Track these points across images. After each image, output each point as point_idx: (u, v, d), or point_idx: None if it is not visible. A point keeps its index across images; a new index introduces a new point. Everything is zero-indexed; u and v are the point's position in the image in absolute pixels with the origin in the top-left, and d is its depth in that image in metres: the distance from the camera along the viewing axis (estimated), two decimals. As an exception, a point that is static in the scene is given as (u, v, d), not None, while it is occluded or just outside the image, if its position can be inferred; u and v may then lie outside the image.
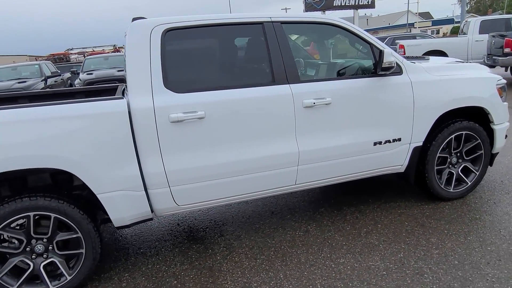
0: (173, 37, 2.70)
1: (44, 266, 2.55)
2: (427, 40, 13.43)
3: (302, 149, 2.94)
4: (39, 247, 2.53)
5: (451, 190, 3.54)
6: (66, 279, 2.59)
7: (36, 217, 2.51)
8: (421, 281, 2.46)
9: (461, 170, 3.57)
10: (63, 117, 2.41)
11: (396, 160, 3.30)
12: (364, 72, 3.18)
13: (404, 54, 12.49)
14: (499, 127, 3.57)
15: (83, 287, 2.68)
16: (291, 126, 2.88)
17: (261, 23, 2.89)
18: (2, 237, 2.52)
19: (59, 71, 12.66)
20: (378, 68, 2.97)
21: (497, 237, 2.89)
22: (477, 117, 3.59)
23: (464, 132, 3.45)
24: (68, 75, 14.19)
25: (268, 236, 3.20)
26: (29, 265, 2.52)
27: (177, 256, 3.01)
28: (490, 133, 3.58)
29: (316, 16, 3.09)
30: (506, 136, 3.71)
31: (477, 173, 3.61)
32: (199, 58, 2.82)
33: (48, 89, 6.39)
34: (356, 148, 3.10)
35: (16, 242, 2.51)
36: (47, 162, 2.38)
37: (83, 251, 2.59)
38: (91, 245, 2.59)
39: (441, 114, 3.30)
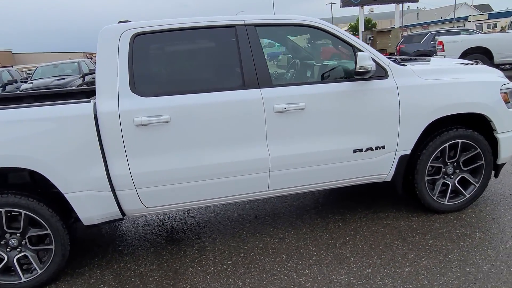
0: (142, 41, 2.73)
1: (18, 259, 2.70)
2: (469, 36, 12.56)
3: (274, 155, 2.87)
4: (13, 241, 2.69)
5: (445, 202, 3.30)
6: (38, 272, 2.72)
7: (12, 213, 2.66)
8: (381, 300, 2.32)
9: (458, 181, 3.32)
10: (31, 120, 2.53)
11: (381, 168, 3.13)
12: (346, 76, 3.04)
13: (443, 51, 11.82)
14: (504, 136, 3.26)
15: (54, 280, 2.81)
16: (261, 131, 2.82)
17: (233, 26, 2.85)
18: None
19: None
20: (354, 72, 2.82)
21: (482, 257, 2.65)
22: (479, 124, 3.31)
23: (460, 141, 3.19)
24: None
25: (243, 241, 3.17)
26: (4, 258, 2.68)
27: (150, 256, 3.06)
28: (495, 142, 3.29)
29: (294, 17, 2.98)
30: (514, 145, 3.39)
31: (477, 185, 3.33)
32: (168, 62, 2.84)
33: (54, 89, 6.73)
34: (333, 155, 2.98)
35: (-8, 235, 2.68)
36: (16, 161, 2.51)
37: (53, 247, 2.72)
38: (60, 242, 2.71)
39: (432, 121, 3.08)
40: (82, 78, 11.92)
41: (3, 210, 2.59)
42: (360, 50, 2.97)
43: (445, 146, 3.18)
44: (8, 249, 2.69)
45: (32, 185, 2.84)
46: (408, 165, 3.20)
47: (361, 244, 2.95)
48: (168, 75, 2.83)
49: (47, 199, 2.69)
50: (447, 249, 2.79)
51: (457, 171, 3.32)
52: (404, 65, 3.15)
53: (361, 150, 3.02)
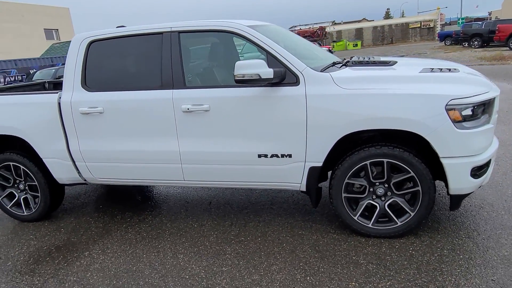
0: (95, 47, 3.43)
1: (24, 199, 3.90)
2: None
3: (183, 150, 3.21)
4: (21, 186, 3.89)
5: (369, 226, 2.98)
6: (32, 210, 3.88)
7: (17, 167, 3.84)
8: (199, 295, 2.51)
9: (390, 206, 2.93)
10: (20, 103, 3.59)
11: (291, 177, 3.06)
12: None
13: None
14: (451, 162, 2.70)
15: (44, 219, 3.92)
16: (172, 128, 3.19)
17: (161, 33, 3.25)
18: None
19: None
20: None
21: (337, 286, 2.45)
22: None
23: (385, 160, 2.81)
24: None
25: (174, 221, 3.63)
26: (16, 196, 3.91)
27: (107, 217, 3.87)
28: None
29: (214, 24, 3.12)
30: (477, 174, 2.75)
31: (412, 214, 2.88)
32: (110, 64, 3.44)
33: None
34: (238, 157, 3.10)
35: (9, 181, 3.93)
36: (8, 131, 3.62)
37: (39, 195, 3.80)
38: (43, 192, 3.77)
39: (345, 134, 2.82)
40: None
41: (11, 163, 3.78)
42: (274, 57, 2.94)
43: (366, 164, 2.86)
44: (19, 191, 3.91)
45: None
46: (320, 177, 3.03)
47: (250, 246, 3.03)
48: (107, 74, 3.45)
49: (37, 161, 3.75)
50: (317, 270, 2.64)
51: (389, 193, 2.93)
52: (326, 72, 2.93)
53: (266, 156, 3.04)
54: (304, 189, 3.11)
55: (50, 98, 3.52)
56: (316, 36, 40.93)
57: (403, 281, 2.45)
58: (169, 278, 2.71)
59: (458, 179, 2.74)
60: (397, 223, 2.93)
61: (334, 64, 3.26)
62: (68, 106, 3.42)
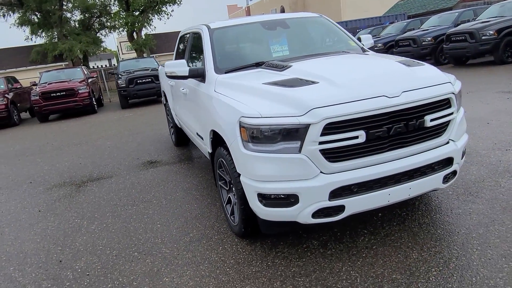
0: (180, 40, 5.15)
1: (172, 134, 6.47)
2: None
3: (185, 120, 4.54)
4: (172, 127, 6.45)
5: (229, 215, 3.30)
6: (174, 141, 6.39)
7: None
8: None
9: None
10: (164, 77, 5.94)
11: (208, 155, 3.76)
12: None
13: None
14: (242, 180, 2.66)
15: (183, 145, 6.33)
16: (183, 102, 4.56)
17: (188, 33, 4.52)
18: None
19: None
20: None
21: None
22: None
23: (222, 161, 3.07)
24: None
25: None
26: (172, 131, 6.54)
27: (198, 156, 5.75)
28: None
29: (197, 27, 3.96)
30: (263, 202, 2.55)
31: (237, 220, 3.01)
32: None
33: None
34: (191, 128, 4.12)
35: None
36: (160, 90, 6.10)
37: (173, 131, 6.21)
38: (174, 130, 6.14)
39: (210, 129, 3.26)
40: None
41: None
42: (204, 56, 3.65)
43: (220, 160, 3.19)
44: (171, 128, 6.51)
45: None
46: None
47: (191, 193, 4.11)
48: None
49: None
50: (165, 222, 3.51)
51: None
52: (221, 74, 3.31)
53: (198, 135, 3.89)
54: (220, 170, 3.73)
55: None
56: None
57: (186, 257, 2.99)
58: (144, 194, 4.41)
59: (250, 201, 2.65)
60: (235, 223, 3.11)
61: (257, 64, 3.40)
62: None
